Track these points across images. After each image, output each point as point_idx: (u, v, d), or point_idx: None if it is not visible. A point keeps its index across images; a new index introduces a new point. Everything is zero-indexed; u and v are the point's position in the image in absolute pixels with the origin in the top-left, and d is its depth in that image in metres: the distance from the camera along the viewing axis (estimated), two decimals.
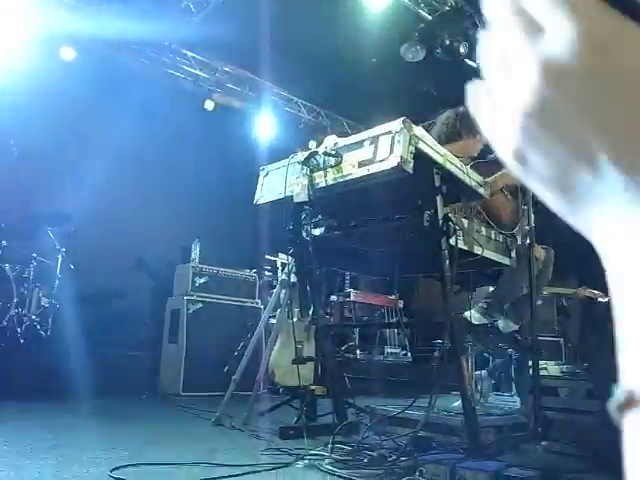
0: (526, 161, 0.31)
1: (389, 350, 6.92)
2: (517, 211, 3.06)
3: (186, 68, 7.35)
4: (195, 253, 5.53)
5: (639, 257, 0.26)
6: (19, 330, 4.53)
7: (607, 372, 2.61)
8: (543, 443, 2.40)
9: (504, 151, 0.32)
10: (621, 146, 0.27)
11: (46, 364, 4.10)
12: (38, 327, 4.71)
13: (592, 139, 0.27)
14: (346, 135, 2.61)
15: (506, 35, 0.30)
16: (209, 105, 7.53)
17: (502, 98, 0.31)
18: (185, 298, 5.11)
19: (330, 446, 2.32)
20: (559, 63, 0.28)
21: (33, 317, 4.73)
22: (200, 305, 5.15)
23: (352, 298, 6.81)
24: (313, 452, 2.30)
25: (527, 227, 2.63)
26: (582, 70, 0.27)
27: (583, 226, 0.30)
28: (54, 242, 5.04)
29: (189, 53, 7.27)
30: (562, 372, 3.10)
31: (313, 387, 3.13)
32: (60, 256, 5.04)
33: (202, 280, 5.28)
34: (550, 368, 3.19)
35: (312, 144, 7.85)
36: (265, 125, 8.08)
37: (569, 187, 0.30)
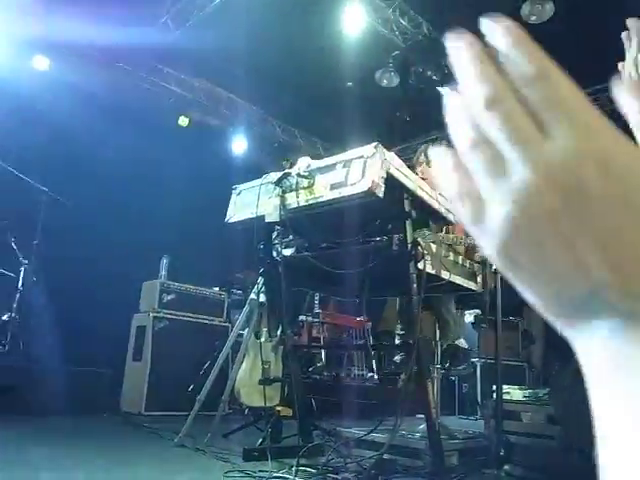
0: (512, 261, 0.30)
1: (356, 372, 6.91)
2: None
3: (161, 83, 7.34)
4: (163, 269, 5.46)
5: (625, 392, 0.26)
6: None
7: (568, 397, 2.67)
8: (505, 467, 2.43)
9: (486, 248, 0.31)
10: (622, 274, 0.26)
11: (3, 380, 3.96)
12: None
13: (589, 261, 0.27)
14: (320, 156, 2.64)
15: (471, 165, 0.30)
16: (183, 121, 7.52)
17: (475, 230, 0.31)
18: (152, 315, 5.02)
19: (295, 468, 2.30)
20: (526, 202, 0.28)
21: None
22: (167, 322, 5.07)
23: (321, 319, 6.81)
24: (277, 474, 2.28)
25: None
26: (548, 212, 0.27)
27: (565, 330, 0.29)
28: (17, 253, 4.91)
29: (165, 68, 7.27)
30: (525, 397, 3.15)
31: (279, 408, 3.10)
32: (23, 269, 4.91)
33: (170, 297, 5.21)
34: (513, 392, 3.24)
35: (286, 164, 7.89)
36: (239, 143, 8.10)
37: (558, 296, 0.29)
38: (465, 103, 0.31)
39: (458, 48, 0.32)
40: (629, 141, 0.28)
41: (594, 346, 0.28)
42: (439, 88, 6.46)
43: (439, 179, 0.33)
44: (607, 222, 0.27)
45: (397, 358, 3.10)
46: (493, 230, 0.29)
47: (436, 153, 0.33)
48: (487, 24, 0.31)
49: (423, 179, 3.05)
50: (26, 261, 4.93)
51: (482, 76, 0.30)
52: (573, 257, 0.27)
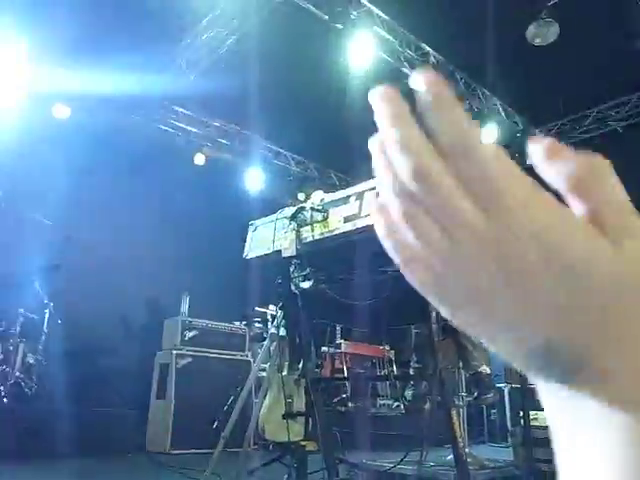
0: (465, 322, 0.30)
1: (381, 402, 6.82)
2: None
3: (176, 123, 7.53)
4: (184, 306, 5.50)
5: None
6: (2, 388, 4.43)
7: None
8: None
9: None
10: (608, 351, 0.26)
11: (30, 423, 3.99)
12: (23, 384, 4.61)
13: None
14: (335, 187, 2.68)
15: (405, 233, 0.30)
16: (199, 159, 7.67)
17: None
18: (174, 352, 5.04)
19: None
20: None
21: (17, 374, 4.63)
22: (189, 359, 5.09)
23: (343, 349, 6.76)
24: None
25: None
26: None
27: (536, 382, 0.30)
28: (41, 296, 5.01)
29: (179, 109, 7.47)
30: None
31: (304, 442, 3.07)
32: (47, 311, 4.99)
33: (191, 333, 5.23)
34: (541, 418, 3.16)
35: (301, 196, 7.99)
36: (254, 178, 8.23)
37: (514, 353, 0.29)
38: (390, 166, 0.30)
39: (379, 104, 0.30)
40: (562, 206, 0.27)
41: (565, 421, 0.29)
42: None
43: (385, 243, 0.32)
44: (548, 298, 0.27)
45: (408, 393, 3.07)
46: (438, 294, 0.30)
47: (372, 205, 0.32)
48: (413, 77, 0.29)
49: None
50: (51, 303, 5.01)
51: (405, 143, 0.28)
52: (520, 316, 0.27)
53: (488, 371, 2.96)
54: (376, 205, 0.31)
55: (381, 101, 0.30)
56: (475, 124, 0.28)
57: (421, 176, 0.28)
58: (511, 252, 0.27)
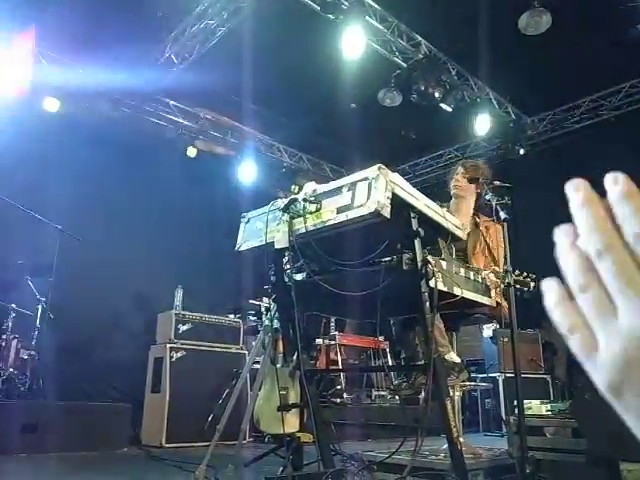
0: (622, 395, 0.32)
1: (376, 393, 6.84)
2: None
3: (168, 116, 7.48)
4: (178, 300, 5.49)
5: None
6: None
7: (592, 410, 2.62)
8: None
9: (596, 381, 0.34)
10: None
11: (24, 418, 3.97)
12: (16, 380, 4.59)
13: None
14: (327, 179, 2.67)
15: (582, 303, 0.33)
16: (191, 152, 7.63)
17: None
18: (168, 346, 5.03)
19: None
20: (635, 345, 0.31)
21: (11, 370, 4.61)
22: (183, 352, 5.08)
23: (337, 341, 6.78)
24: None
25: (505, 267, 2.68)
26: None
27: None
28: (34, 292, 4.98)
29: (171, 102, 7.41)
30: (547, 410, 3.09)
31: (299, 434, 3.07)
32: (40, 306, 4.96)
33: (185, 327, 5.22)
34: (534, 407, 3.18)
35: (294, 188, 7.97)
36: (247, 170, 8.19)
37: None
38: (577, 246, 0.33)
39: (575, 194, 0.34)
40: None
41: None
42: (444, 105, 6.50)
43: (554, 312, 0.35)
44: None
45: (397, 383, 3.07)
46: (604, 365, 0.32)
47: (549, 286, 0.36)
48: (607, 177, 0.33)
49: (459, 187, 3.34)
50: (43, 299, 4.98)
51: (596, 224, 0.33)
52: None
53: (455, 359, 2.96)
54: (552, 281, 0.35)
55: (575, 188, 0.34)
56: None
57: (606, 250, 0.32)
58: None
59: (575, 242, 0.34)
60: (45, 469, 3.28)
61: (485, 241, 3.29)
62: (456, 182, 3.39)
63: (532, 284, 2.79)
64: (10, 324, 4.73)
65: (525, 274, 2.81)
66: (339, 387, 6.51)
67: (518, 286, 2.75)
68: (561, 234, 0.35)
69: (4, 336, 4.66)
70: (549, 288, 0.35)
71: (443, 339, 2.84)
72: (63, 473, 3.23)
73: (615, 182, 0.32)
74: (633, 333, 0.30)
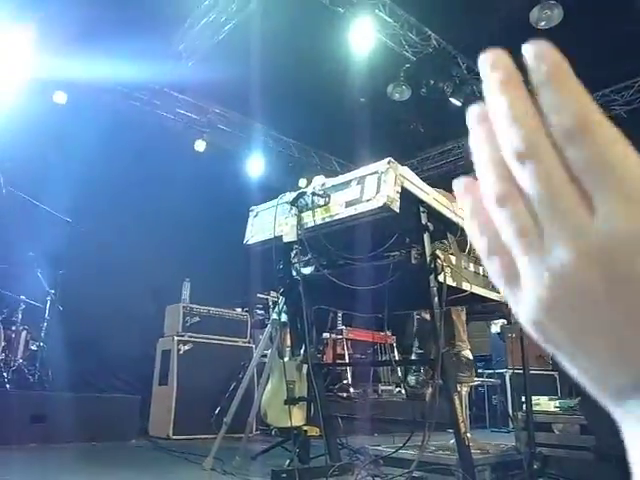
0: (548, 338, 0.27)
1: (383, 387, 6.84)
2: None
3: (177, 110, 7.48)
4: (186, 293, 5.50)
5: None
6: (5, 375, 4.44)
7: (600, 407, 2.61)
8: None
9: (520, 317, 0.27)
10: None
11: (33, 409, 4.01)
12: (25, 371, 4.63)
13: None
14: (336, 173, 2.65)
15: (499, 219, 0.26)
16: (200, 146, 7.63)
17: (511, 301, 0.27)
18: (176, 338, 5.05)
19: None
20: (564, 285, 0.24)
21: (20, 361, 4.65)
22: (191, 345, 5.10)
23: (344, 335, 6.78)
24: None
25: None
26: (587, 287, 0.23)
27: (610, 407, 0.26)
28: (43, 285, 5.01)
29: (180, 95, 7.41)
30: (555, 407, 3.08)
31: (306, 428, 3.08)
32: (49, 298, 4.99)
33: (193, 320, 5.24)
34: (543, 403, 3.17)
35: (302, 182, 7.95)
36: (256, 164, 8.18)
37: (598, 380, 0.26)
38: (494, 139, 0.26)
39: (492, 72, 0.26)
40: None
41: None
42: (453, 100, 6.45)
43: (468, 224, 0.28)
44: None
45: (411, 379, 3.07)
46: (526, 305, 0.26)
47: (458, 187, 0.28)
48: (526, 48, 0.26)
49: None
50: (52, 291, 5.02)
51: (516, 116, 0.25)
52: (615, 348, 0.24)
53: (470, 357, 2.95)
54: (464, 181, 0.28)
55: (491, 66, 0.27)
56: (595, 104, 0.24)
57: (529, 153, 0.24)
58: (622, 265, 0.23)
59: (492, 134, 0.26)
60: (53, 459, 3.31)
61: None
62: None
63: None
64: (20, 316, 4.76)
65: None
66: (346, 381, 6.52)
67: None
68: (472, 117, 0.27)
69: (14, 327, 4.70)
70: (460, 189, 0.28)
71: (464, 334, 2.83)
72: (71, 463, 3.26)
73: (538, 58, 0.25)
74: (560, 271, 0.23)
